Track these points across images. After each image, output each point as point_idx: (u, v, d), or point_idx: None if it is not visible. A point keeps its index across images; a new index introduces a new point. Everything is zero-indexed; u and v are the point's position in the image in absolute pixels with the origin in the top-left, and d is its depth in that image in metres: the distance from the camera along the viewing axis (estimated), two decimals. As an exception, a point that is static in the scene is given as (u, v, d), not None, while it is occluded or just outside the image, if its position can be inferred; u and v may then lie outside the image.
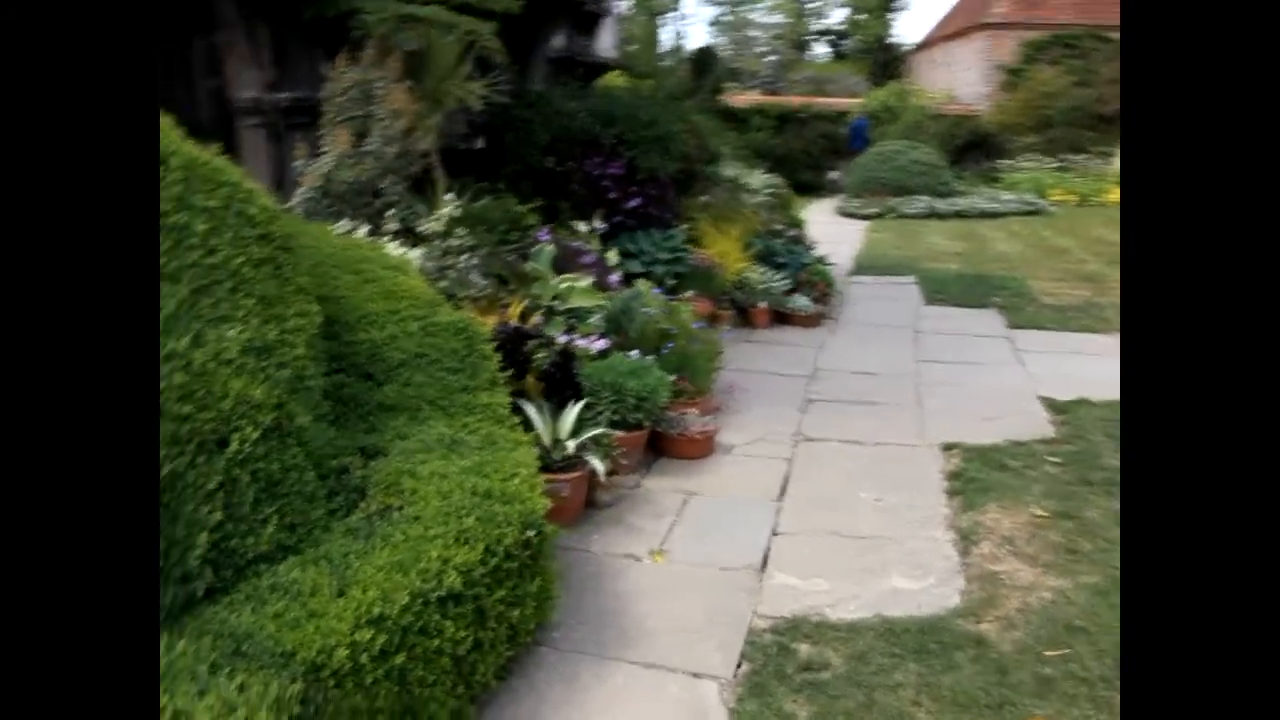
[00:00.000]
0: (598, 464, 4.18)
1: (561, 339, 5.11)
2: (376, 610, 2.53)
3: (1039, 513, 4.21)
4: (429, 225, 5.13)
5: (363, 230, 4.98)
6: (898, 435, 5.42)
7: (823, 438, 5.43)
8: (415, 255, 4.88)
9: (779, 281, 8.19)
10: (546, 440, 4.29)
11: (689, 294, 7.94)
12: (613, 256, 6.62)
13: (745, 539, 4.16)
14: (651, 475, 4.91)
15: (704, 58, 22.46)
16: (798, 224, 11.58)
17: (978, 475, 4.69)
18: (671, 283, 7.93)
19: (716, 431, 5.23)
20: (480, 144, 8.23)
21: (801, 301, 8.18)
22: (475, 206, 5.47)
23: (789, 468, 5.00)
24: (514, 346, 4.44)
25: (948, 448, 5.18)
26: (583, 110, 8.08)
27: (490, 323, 4.59)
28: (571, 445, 4.21)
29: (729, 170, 9.51)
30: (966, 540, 4.05)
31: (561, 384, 4.47)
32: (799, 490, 4.71)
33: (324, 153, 5.19)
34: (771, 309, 8.09)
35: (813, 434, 5.49)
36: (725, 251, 8.12)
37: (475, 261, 5.15)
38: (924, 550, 4.02)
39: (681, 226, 8.34)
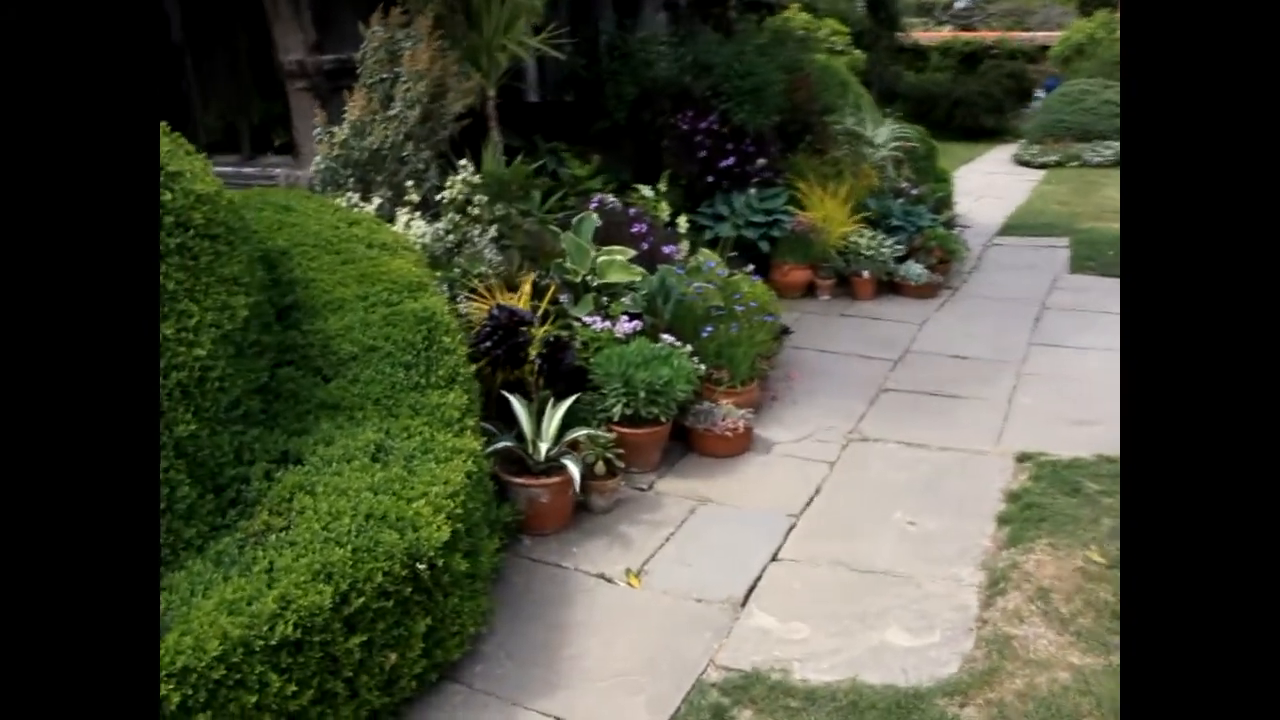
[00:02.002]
0: (574, 469, 3.77)
1: (589, 321, 4.70)
2: (181, 661, 2.26)
3: (1095, 558, 3.47)
4: (445, 194, 4.79)
5: (375, 203, 4.71)
6: (969, 439, 4.70)
7: (880, 438, 4.78)
8: (422, 230, 4.56)
9: (889, 247, 7.39)
10: (529, 439, 3.92)
11: (785, 262, 7.34)
12: (682, 223, 6.08)
13: (738, 563, 3.66)
14: (670, 475, 4.45)
15: (881, -7, 21.09)
16: (942, 179, 10.57)
17: (1040, 499, 3.95)
18: (765, 248, 7.34)
19: (751, 428, 4.68)
20: (569, 98, 7.85)
21: (914, 270, 7.36)
22: (495, 171, 5.08)
23: (827, 474, 4.41)
24: (507, 333, 4.06)
25: (1022, 458, 4.43)
26: (674, 60, 7.51)
27: (486, 308, 4.24)
28: (544, 448, 3.81)
29: (850, 121, 8.66)
30: (994, 587, 3.38)
31: (553, 376, 4.06)
32: (825, 504, 4.14)
33: (345, 118, 4.94)
34: (877, 278, 7.32)
35: (870, 433, 4.85)
36: (830, 214, 7.39)
37: (491, 235, 4.79)
38: (939, 595, 3.39)
39: (785, 186, 7.67)
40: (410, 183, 4.83)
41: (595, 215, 5.37)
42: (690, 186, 7.60)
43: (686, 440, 4.69)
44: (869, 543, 3.78)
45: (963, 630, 3.18)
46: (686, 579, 3.57)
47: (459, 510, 2.95)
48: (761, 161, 7.54)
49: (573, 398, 4.05)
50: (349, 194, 4.74)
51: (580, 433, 3.97)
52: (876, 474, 4.40)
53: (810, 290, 7.40)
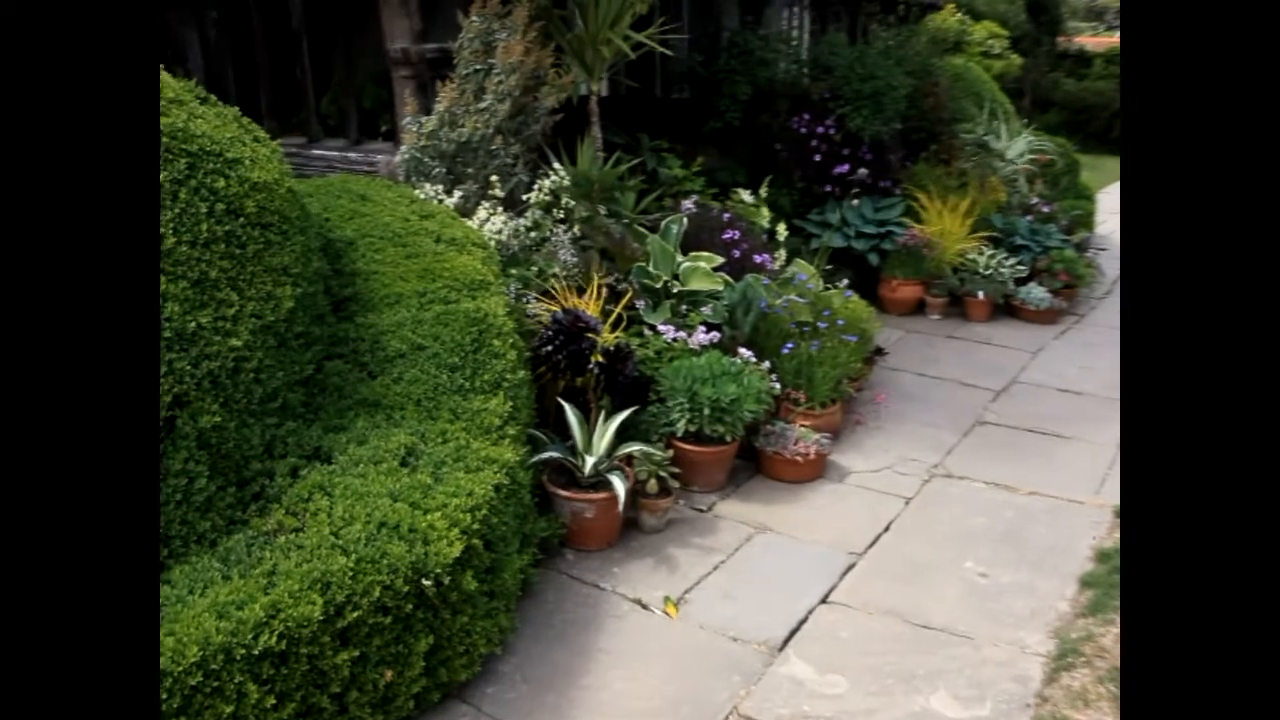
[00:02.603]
0: (620, 486, 3.60)
1: (664, 329, 4.53)
2: (159, 664, 2.20)
3: (1184, 637, 3.08)
4: (530, 195, 4.69)
5: (456, 196, 4.65)
6: (1065, 485, 4.30)
7: (966, 475, 4.43)
8: (499, 227, 4.47)
9: (1010, 267, 6.92)
10: (580, 451, 3.77)
11: (895, 277, 6.97)
12: (782, 230, 5.82)
13: (785, 601, 3.43)
14: (733, 498, 4.23)
15: (1040, -3, 20.06)
16: (1084, 196, 9.90)
17: (1135, 562, 3.55)
18: (875, 261, 6.99)
19: (825, 454, 4.41)
20: (685, 94, 7.65)
21: (1035, 293, 6.86)
22: (584, 170, 4.94)
23: (900, 511, 4.10)
24: (569, 338, 3.93)
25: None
26: (794, 60, 7.22)
27: (554, 310, 4.12)
28: (591, 461, 3.65)
29: (981, 131, 8.15)
30: (1062, 660, 3.04)
31: (612, 386, 3.91)
32: (892, 544, 3.84)
33: (435, 108, 4.90)
34: (993, 300, 6.86)
35: (956, 469, 4.50)
36: (948, 229, 6.97)
37: (570, 235, 4.66)
38: (999, 662, 3.07)
39: (903, 196, 7.29)
40: (495, 177, 4.75)
41: (684, 219, 5.18)
42: (806, 192, 7.32)
43: (756, 461, 4.46)
44: (932, 592, 3.48)
45: (1019, 706, 2.86)
46: (727, 614, 3.36)
47: (476, 525, 2.83)
48: (877, 169, 7.18)
49: (629, 410, 3.88)
50: (433, 185, 4.69)
51: (632, 448, 3.80)
52: (955, 515, 4.07)
53: (920, 308, 7.01)
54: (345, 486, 2.86)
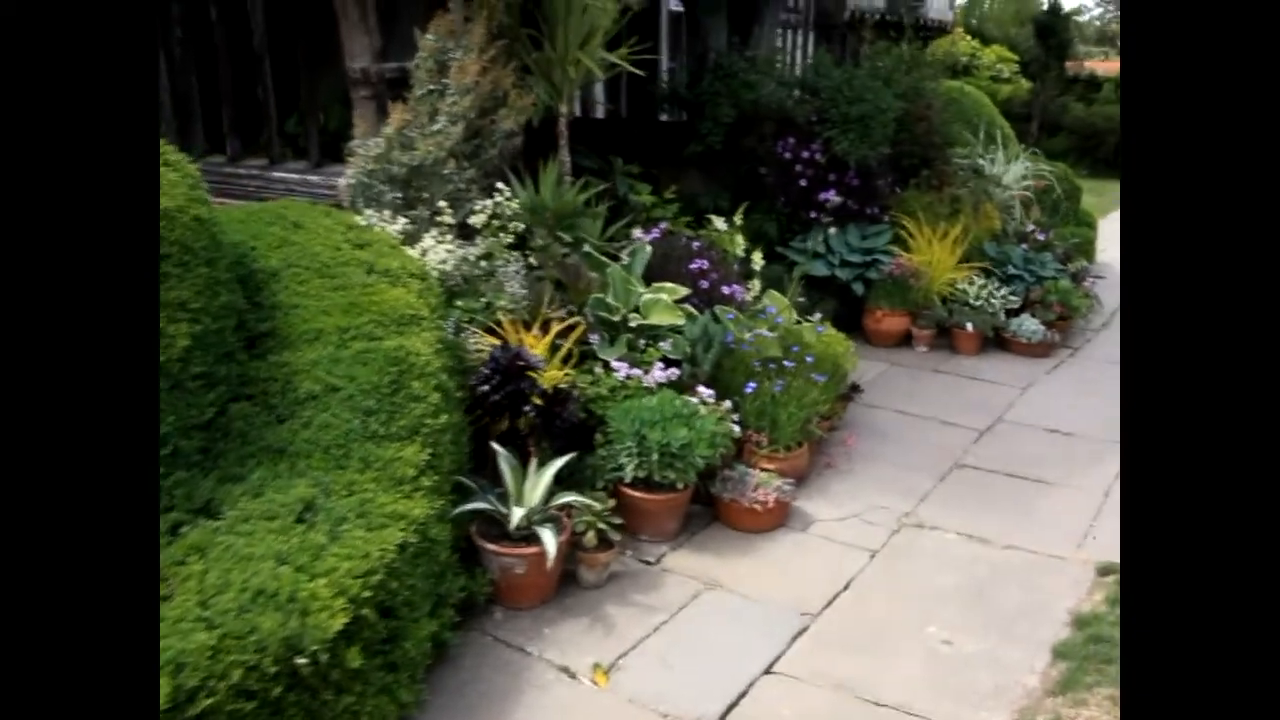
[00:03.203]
0: (549, 541, 3.32)
1: (618, 366, 4.25)
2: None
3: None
4: (475, 219, 4.43)
5: (399, 223, 4.40)
6: (1045, 538, 4.00)
7: (938, 525, 4.13)
8: (442, 257, 4.22)
9: (1001, 298, 6.63)
10: (513, 502, 3.50)
11: (879, 308, 6.68)
12: (757, 259, 5.55)
13: (726, 671, 3.13)
14: (686, 548, 3.94)
15: (1049, 21, 19.80)
16: (1085, 223, 9.62)
17: (1115, 631, 3.25)
18: (860, 291, 6.71)
19: (787, 502, 4.12)
20: (668, 117, 7.41)
21: (1028, 326, 6.56)
22: (539, 197, 4.69)
23: (864, 566, 3.81)
24: (505, 377, 3.67)
25: (1105, 571, 3.71)
26: (779, 83, 6.97)
27: (495, 345, 3.85)
28: (519, 513, 3.37)
29: (976, 156, 7.87)
30: (1023, 747, 2.74)
31: (550, 430, 3.64)
32: (851, 604, 3.54)
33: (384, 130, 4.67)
34: (982, 333, 6.56)
35: (928, 518, 4.20)
36: (938, 258, 6.69)
37: (521, 264, 4.41)
38: (954, 748, 2.77)
39: (891, 224, 7.02)
40: (444, 203, 4.50)
41: (647, 247, 4.92)
42: (792, 218, 7.06)
43: (714, 508, 4.17)
44: (888, 663, 3.18)
45: (970, 803, 2.56)
46: (661, 684, 3.07)
47: (369, 593, 2.56)
48: (864, 195, 6.91)
49: (567, 457, 3.61)
50: (377, 211, 4.45)
51: (567, 498, 3.53)
52: (922, 571, 3.77)
53: (906, 340, 6.72)
54: (226, 547, 2.59)
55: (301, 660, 2.35)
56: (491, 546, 3.41)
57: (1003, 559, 3.86)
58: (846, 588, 3.65)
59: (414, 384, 3.26)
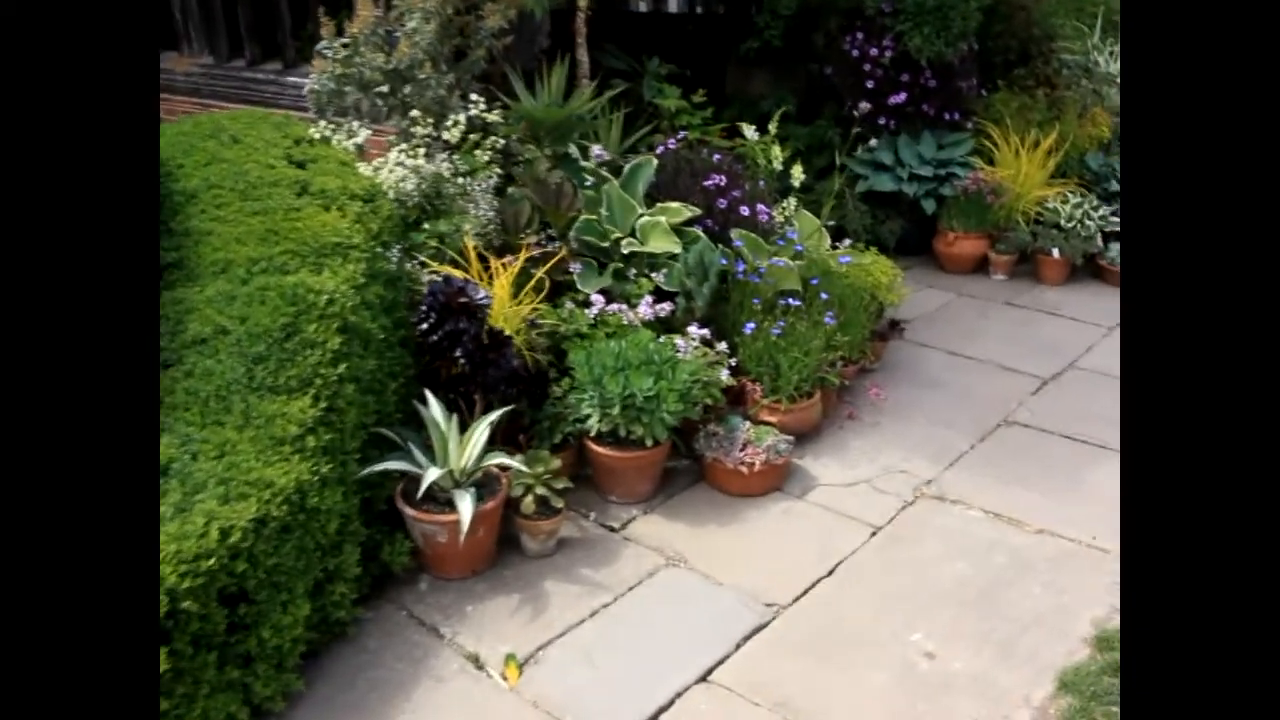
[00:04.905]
0: (465, 509, 2.88)
1: (595, 300, 3.74)
2: None
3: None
4: (447, 134, 3.92)
5: (359, 136, 3.94)
6: (1087, 522, 3.33)
7: (962, 499, 3.51)
8: (402, 175, 3.74)
9: (1099, 219, 5.72)
10: (443, 460, 3.08)
11: (952, 229, 5.88)
12: (797, 174, 4.84)
13: (656, 676, 2.68)
14: (658, 513, 3.47)
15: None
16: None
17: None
18: (931, 209, 5.92)
19: (783, 462, 3.56)
20: (721, 10, 6.63)
21: (1128, 252, 5.66)
22: (524, 107, 4.12)
23: (860, 546, 3.25)
24: (442, 315, 3.22)
25: (1152, 570, 3.04)
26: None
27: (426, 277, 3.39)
28: (434, 474, 2.94)
29: (1092, 52, 6.80)
30: (985, 811, 2.19)
31: (484, 380, 3.18)
32: (829, 596, 3.01)
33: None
34: (1070, 259, 5.69)
35: (952, 490, 3.58)
36: (1025, 172, 5.81)
37: (488, 182, 3.90)
38: (898, 802, 2.25)
39: (975, 131, 6.14)
40: (418, 112, 4.01)
41: (654, 160, 4.32)
42: (859, 124, 6.26)
43: (699, 466, 3.67)
44: (850, 677, 2.65)
45: None
46: (574, 687, 2.64)
47: (192, 582, 2.19)
48: (942, 98, 6.04)
49: (499, 411, 3.15)
50: (334, 121, 4.00)
51: (495, 460, 3.08)
52: (926, 558, 3.19)
53: (983, 266, 5.90)
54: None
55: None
56: (410, 511, 3.01)
57: (1030, 546, 3.23)
58: (830, 574, 3.12)
59: (309, 328, 2.83)
